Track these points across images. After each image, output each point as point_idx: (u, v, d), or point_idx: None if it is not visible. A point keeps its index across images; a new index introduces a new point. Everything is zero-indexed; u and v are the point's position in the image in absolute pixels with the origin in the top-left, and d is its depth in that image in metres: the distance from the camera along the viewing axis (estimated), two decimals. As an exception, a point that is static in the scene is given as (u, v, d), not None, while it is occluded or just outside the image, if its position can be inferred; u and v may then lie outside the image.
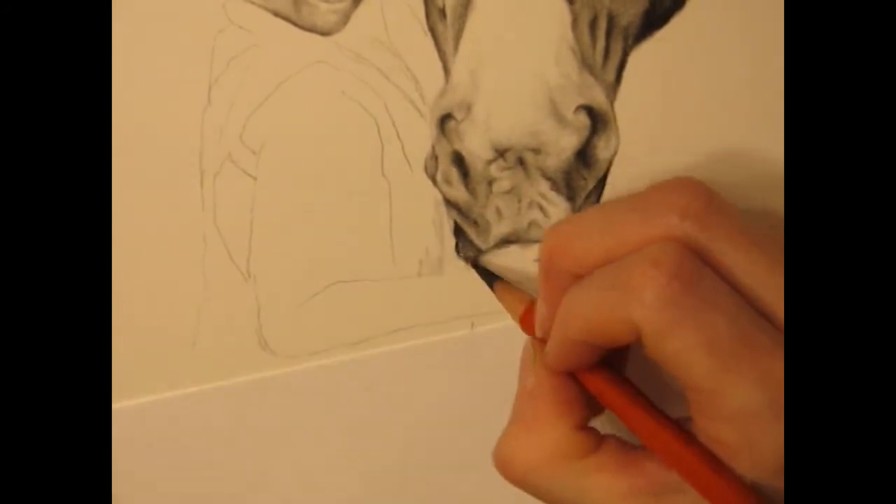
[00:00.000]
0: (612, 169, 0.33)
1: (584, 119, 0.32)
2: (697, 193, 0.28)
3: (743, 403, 0.26)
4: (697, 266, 0.27)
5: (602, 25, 0.32)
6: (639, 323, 0.26)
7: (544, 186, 0.33)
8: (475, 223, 0.33)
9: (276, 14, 0.31)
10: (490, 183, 0.33)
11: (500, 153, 0.32)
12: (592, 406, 0.31)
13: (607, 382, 0.30)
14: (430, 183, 0.33)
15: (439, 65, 0.32)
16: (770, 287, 0.27)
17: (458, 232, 0.33)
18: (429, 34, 0.32)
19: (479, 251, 0.34)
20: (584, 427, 0.30)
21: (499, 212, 0.33)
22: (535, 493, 0.30)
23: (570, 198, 0.33)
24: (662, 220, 0.27)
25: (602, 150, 0.33)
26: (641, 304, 0.26)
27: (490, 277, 0.33)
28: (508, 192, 0.33)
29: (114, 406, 0.33)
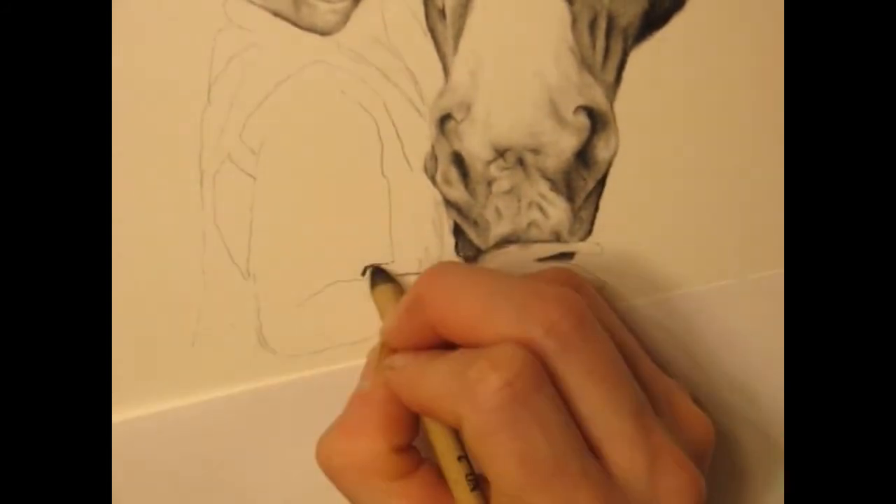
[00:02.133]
0: (612, 169, 0.33)
1: (583, 119, 0.32)
2: (570, 312, 0.28)
3: None
4: (536, 380, 0.27)
5: (602, 26, 0.32)
6: (463, 419, 0.27)
7: (544, 187, 0.33)
8: (475, 223, 0.33)
9: (276, 14, 0.31)
10: (489, 183, 0.33)
11: (500, 153, 0.32)
12: (417, 426, 0.31)
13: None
14: (429, 183, 0.33)
15: (439, 65, 0.32)
16: (607, 424, 0.27)
17: (458, 232, 0.33)
18: (428, 34, 0.32)
19: (479, 251, 0.34)
20: (403, 449, 0.30)
21: (498, 212, 0.33)
22: (343, 492, 0.31)
23: (570, 198, 0.33)
24: (529, 326, 0.28)
25: (602, 150, 0.33)
26: (470, 402, 0.27)
27: (382, 277, 0.33)
28: (508, 192, 0.33)
29: (113, 419, 0.33)
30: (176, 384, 0.34)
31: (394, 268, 0.34)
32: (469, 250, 0.34)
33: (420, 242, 0.33)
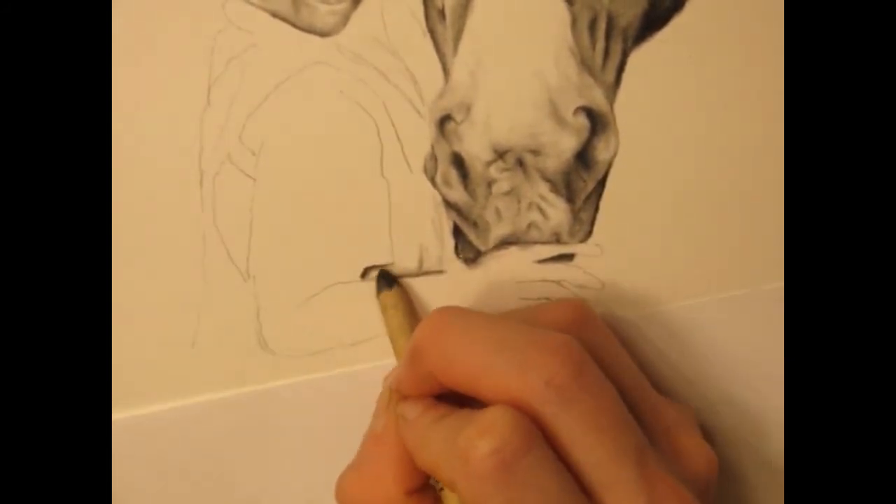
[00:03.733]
0: (612, 170, 0.33)
1: (583, 120, 0.32)
2: (568, 362, 0.28)
3: None
4: (527, 443, 0.27)
5: (601, 26, 0.32)
6: (456, 488, 0.27)
7: (544, 188, 0.33)
8: (474, 224, 0.33)
9: (276, 15, 0.31)
10: (489, 184, 0.33)
11: (500, 154, 0.32)
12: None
13: None
14: (429, 184, 0.33)
15: (438, 66, 0.32)
16: (609, 474, 0.27)
17: (458, 233, 0.33)
18: (428, 35, 0.32)
19: (479, 252, 0.34)
20: (418, 490, 0.30)
21: (498, 213, 0.33)
22: None
23: (570, 199, 0.33)
24: (528, 378, 0.27)
25: (602, 151, 0.33)
26: (461, 469, 0.27)
27: (389, 282, 0.33)
28: (508, 193, 0.33)
29: (113, 417, 0.33)
30: (176, 385, 0.34)
31: (393, 269, 0.34)
32: (469, 251, 0.34)
33: (420, 244, 0.33)
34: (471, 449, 0.26)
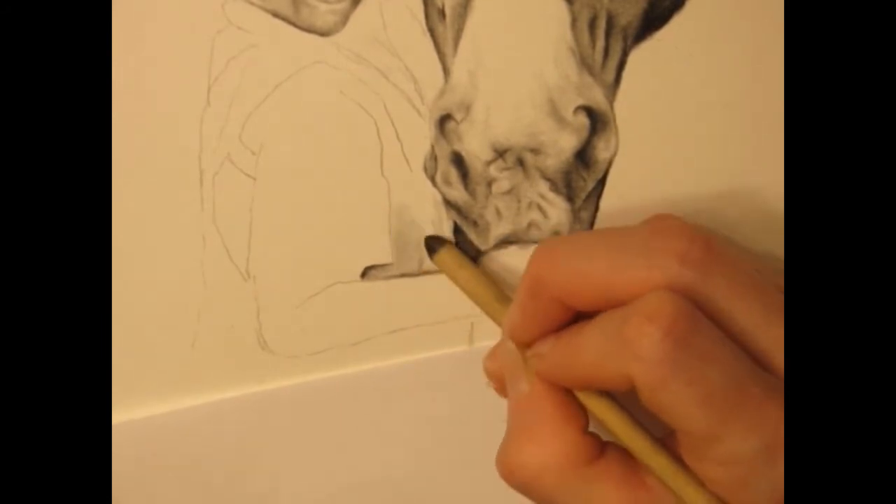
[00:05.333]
0: (612, 169, 0.33)
1: (583, 119, 0.32)
2: (695, 238, 0.28)
3: (737, 450, 0.26)
4: (693, 320, 0.27)
5: (601, 25, 0.32)
6: (633, 377, 0.27)
7: (544, 187, 0.33)
8: (475, 223, 0.33)
9: (275, 14, 0.31)
10: (489, 183, 0.33)
11: (500, 153, 0.32)
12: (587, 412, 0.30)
13: (602, 401, 0.30)
14: (429, 183, 0.33)
15: (438, 65, 0.32)
16: (768, 335, 0.27)
17: (458, 232, 0.33)
18: (428, 34, 0.32)
19: (479, 251, 0.34)
20: (587, 431, 0.30)
21: (498, 212, 0.33)
22: (539, 499, 0.30)
23: (570, 198, 0.33)
24: (663, 265, 0.27)
25: (601, 150, 0.33)
26: (636, 359, 0.26)
27: (437, 242, 0.33)
28: (508, 192, 0.33)
29: (114, 420, 0.33)
30: (176, 385, 0.34)
31: (393, 269, 0.34)
32: (469, 251, 0.34)
33: (420, 243, 0.33)
34: (642, 336, 0.26)
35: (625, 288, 0.28)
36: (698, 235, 0.28)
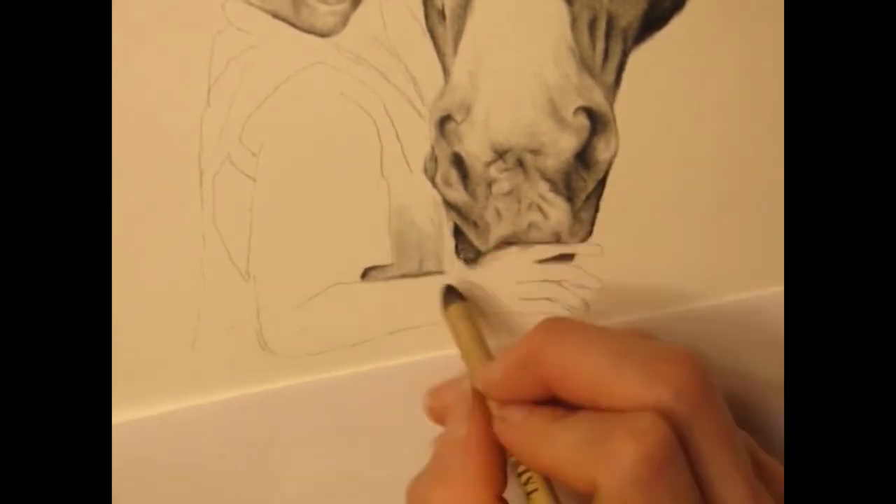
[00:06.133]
0: (612, 170, 0.33)
1: (583, 120, 0.32)
2: (694, 374, 0.28)
3: None
4: (673, 453, 0.27)
5: (601, 26, 0.32)
6: (599, 486, 0.27)
7: (544, 188, 0.33)
8: (475, 224, 0.33)
9: (275, 15, 0.31)
10: (489, 184, 0.33)
11: (500, 154, 0.32)
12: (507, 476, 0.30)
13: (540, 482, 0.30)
14: (429, 184, 0.33)
15: (438, 66, 0.32)
16: (734, 489, 0.27)
17: (458, 233, 0.33)
18: (428, 35, 0.32)
19: (479, 252, 0.34)
20: (500, 499, 0.30)
21: (498, 213, 0.33)
22: None
23: (570, 199, 0.33)
24: (658, 391, 0.27)
25: (602, 151, 0.33)
26: (608, 470, 0.26)
27: (453, 297, 0.33)
28: (508, 193, 0.33)
29: (114, 421, 0.33)
30: (176, 385, 0.34)
31: (393, 270, 0.34)
32: (469, 252, 0.34)
33: (420, 244, 0.33)
34: (622, 452, 0.26)
35: (614, 398, 0.28)
36: (699, 371, 0.28)
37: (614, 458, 0.26)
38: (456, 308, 0.33)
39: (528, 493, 0.30)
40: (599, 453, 0.27)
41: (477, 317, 0.33)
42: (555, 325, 0.30)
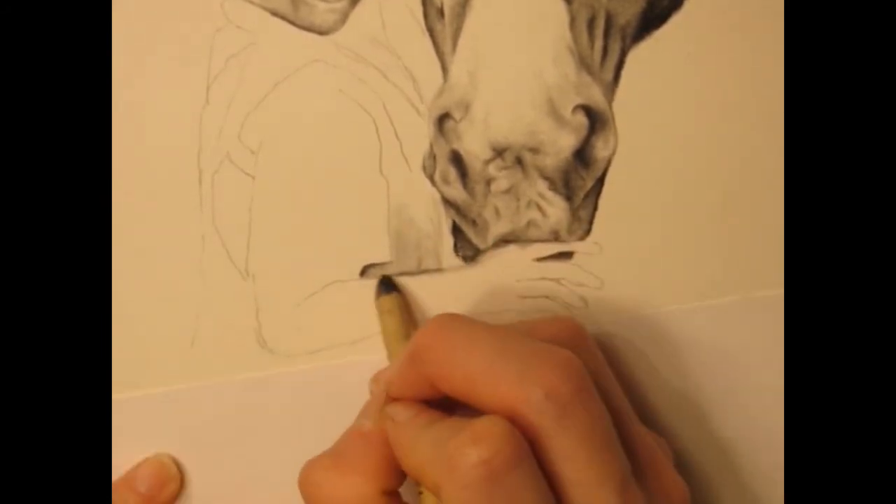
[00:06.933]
0: (611, 168, 0.33)
1: (582, 119, 0.32)
2: (570, 377, 0.28)
3: None
4: (516, 457, 0.27)
5: (600, 25, 0.32)
6: (440, 492, 0.27)
7: (542, 186, 0.33)
8: (473, 223, 0.33)
9: (275, 13, 0.31)
10: (488, 182, 0.33)
11: (499, 153, 0.32)
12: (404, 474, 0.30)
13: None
14: (428, 182, 0.33)
15: (437, 64, 0.32)
16: (593, 495, 0.27)
17: (457, 231, 0.33)
18: (427, 34, 0.32)
19: (478, 250, 0.34)
20: (391, 493, 0.30)
21: (497, 211, 0.33)
22: None
23: (569, 197, 0.33)
24: (529, 389, 0.27)
25: (600, 149, 0.33)
26: (448, 474, 0.27)
27: (388, 287, 0.33)
28: (507, 191, 0.33)
29: (114, 397, 0.33)
30: (175, 384, 0.34)
31: (392, 268, 0.34)
32: (468, 250, 0.34)
33: (418, 242, 0.33)
34: (460, 456, 0.26)
35: (487, 396, 0.28)
36: (574, 374, 0.28)
37: (453, 462, 0.26)
38: (384, 300, 0.33)
39: (419, 493, 0.30)
40: (442, 458, 0.27)
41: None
42: (441, 322, 0.29)
